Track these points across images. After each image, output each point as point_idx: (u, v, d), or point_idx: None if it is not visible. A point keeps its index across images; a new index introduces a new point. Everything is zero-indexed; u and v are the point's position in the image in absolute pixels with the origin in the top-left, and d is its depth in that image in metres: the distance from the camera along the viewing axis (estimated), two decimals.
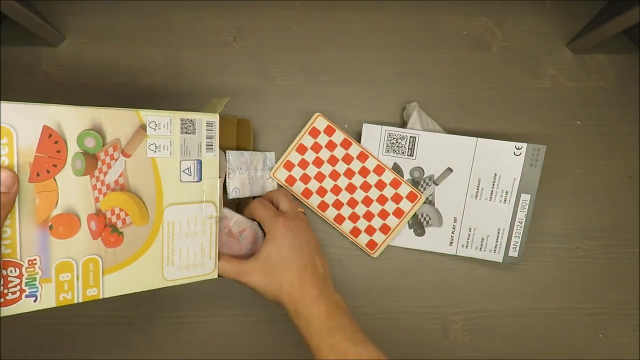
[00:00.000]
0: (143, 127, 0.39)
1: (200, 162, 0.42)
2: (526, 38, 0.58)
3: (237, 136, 0.52)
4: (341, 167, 0.53)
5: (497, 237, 0.53)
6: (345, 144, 0.53)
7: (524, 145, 0.52)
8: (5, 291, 0.34)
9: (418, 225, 0.55)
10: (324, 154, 0.53)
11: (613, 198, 0.57)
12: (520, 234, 0.53)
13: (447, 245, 0.54)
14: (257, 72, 0.56)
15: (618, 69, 0.58)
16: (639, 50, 0.58)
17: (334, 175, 0.54)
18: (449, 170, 0.53)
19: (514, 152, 0.52)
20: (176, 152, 0.41)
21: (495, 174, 0.53)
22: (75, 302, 0.37)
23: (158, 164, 0.40)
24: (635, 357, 0.55)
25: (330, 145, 0.53)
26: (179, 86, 0.55)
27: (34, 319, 0.53)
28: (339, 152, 0.53)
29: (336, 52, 0.57)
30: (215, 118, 0.43)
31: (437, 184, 0.54)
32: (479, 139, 0.52)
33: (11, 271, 0.34)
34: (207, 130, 0.42)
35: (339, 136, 0.53)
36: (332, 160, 0.53)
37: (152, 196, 0.40)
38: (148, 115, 0.39)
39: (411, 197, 0.53)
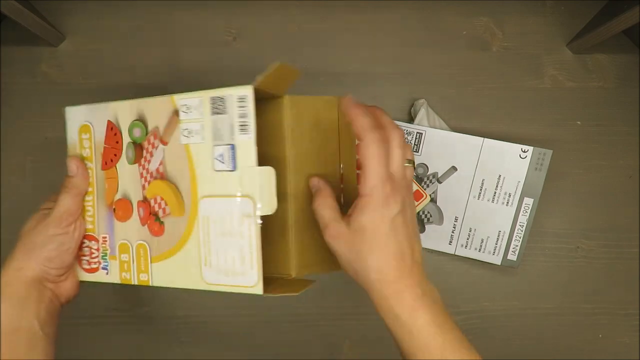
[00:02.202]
0: (176, 112, 0.36)
1: (233, 147, 0.35)
2: (526, 38, 0.58)
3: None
4: None
5: (497, 239, 0.53)
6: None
7: (530, 148, 0.52)
8: (90, 260, 0.40)
9: (419, 222, 0.55)
10: None
11: (613, 198, 0.57)
12: (520, 237, 0.53)
13: (446, 244, 0.54)
14: (257, 72, 0.56)
15: (618, 69, 0.58)
16: (639, 50, 0.58)
17: None
18: (454, 168, 0.53)
19: (520, 155, 0.52)
20: (208, 137, 0.35)
21: (500, 176, 0.53)
22: (133, 283, 0.39)
23: (191, 151, 0.36)
24: (635, 357, 0.55)
25: None
26: (179, 86, 0.55)
27: None
28: None
29: (336, 52, 0.57)
30: (247, 91, 0.35)
31: (440, 182, 0.54)
32: (485, 139, 0.52)
33: (93, 244, 0.40)
34: (239, 107, 0.35)
35: None
36: None
37: (187, 186, 0.36)
38: (180, 99, 0.36)
39: (417, 196, 0.53)
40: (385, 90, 0.57)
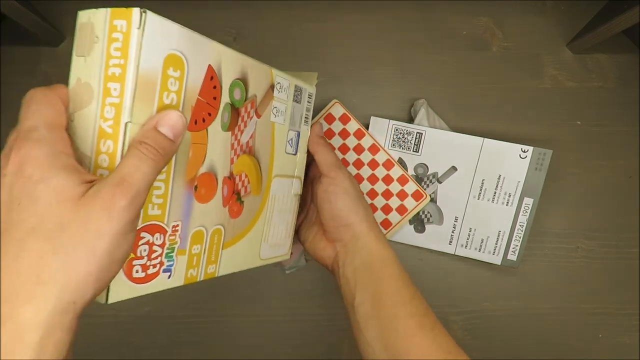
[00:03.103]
0: (272, 87, 0.35)
1: (299, 134, 0.40)
2: (526, 38, 0.58)
3: None
4: (351, 157, 0.54)
5: (497, 239, 0.53)
6: (359, 134, 0.53)
7: (530, 148, 0.52)
8: (148, 263, 0.26)
9: (419, 222, 0.55)
10: (336, 141, 0.54)
11: (613, 198, 0.57)
12: (520, 237, 0.53)
13: (446, 244, 0.54)
14: None
15: (618, 69, 0.58)
16: (639, 50, 0.58)
17: (343, 164, 0.54)
18: (454, 168, 0.53)
19: (520, 155, 0.52)
20: (287, 120, 0.38)
21: (500, 176, 0.53)
22: (198, 280, 0.30)
23: (275, 130, 0.36)
24: (635, 357, 0.55)
25: (344, 134, 0.53)
26: None
27: None
28: (351, 142, 0.53)
29: (336, 52, 0.57)
30: (314, 91, 0.41)
31: (440, 182, 0.54)
32: (485, 139, 0.52)
33: (157, 238, 0.27)
34: (307, 102, 0.40)
35: (353, 125, 0.53)
36: (343, 149, 0.54)
37: (266, 164, 0.36)
38: (277, 76, 0.35)
39: (417, 196, 0.53)
40: (385, 90, 0.57)
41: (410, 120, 0.56)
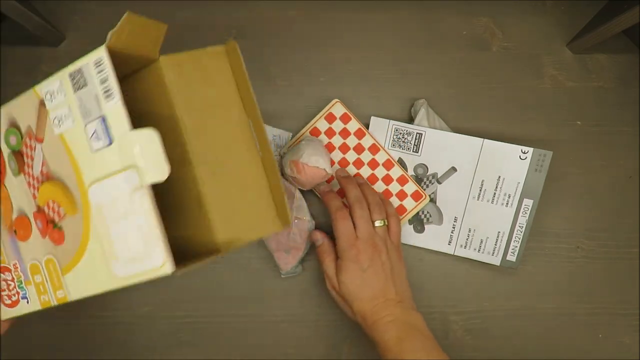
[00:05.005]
0: (42, 103, 0.32)
1: (104, 119, 0.30)
2: (526, 38, 0.58)
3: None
4: (351, 156, 0.54)
5: (497, 240, 0.53)
6: (359, 134, 0.53)
7: (530, 150, 0.52)
8: (9, 294, 0.37)
9: (418, 222, 0.55)
10: (337, 141, 0.54)
11: (613, 198, 0.57)
12: (520, 238, 0.53)
13: (445, 244, 0.54)
14: (257, 72, 0.56)
15: (618, 69, 0.58)
16: (639, 50, 0.58)
17: (343, 163, 0.54)
18: (453, 169, 0.53)
19: (520, 156, 0.52)
20: (77, 118, 0.31)
21: (499, 177, 0.53)
22: (52, 304, 0.35)
23: (66, 139, 0.32)
24: (635, 357, 0.55)
25: (344, 133, 0.54)
26: None
27: (34, 319, 0.53)
28: (352, 141, 0.54)
29: (336, 52, 0.57)
30: (102, 52, 0.30)
31: (440, 182, 0.54)
32: (485, 140, 0.52)
33: (7, 275, 0.37)
34: (98, 73, 0.30)
35: (354, 125, 0.53)
36: (344, 148, 0.54)
37: (72, 178, 0.32)
38: (42, 88, 0.32)
39: (416, 196, 0.53)
40: (385, 90, 0.57)
41: (410, 120, 0.56)
